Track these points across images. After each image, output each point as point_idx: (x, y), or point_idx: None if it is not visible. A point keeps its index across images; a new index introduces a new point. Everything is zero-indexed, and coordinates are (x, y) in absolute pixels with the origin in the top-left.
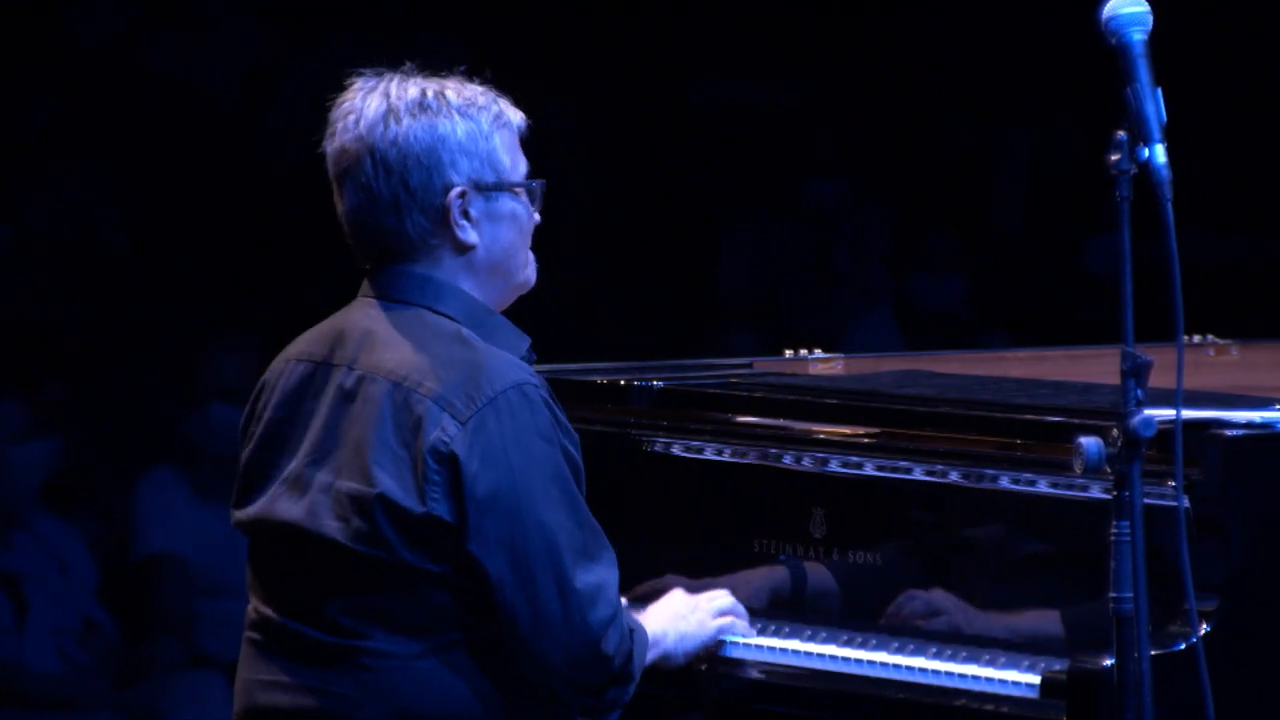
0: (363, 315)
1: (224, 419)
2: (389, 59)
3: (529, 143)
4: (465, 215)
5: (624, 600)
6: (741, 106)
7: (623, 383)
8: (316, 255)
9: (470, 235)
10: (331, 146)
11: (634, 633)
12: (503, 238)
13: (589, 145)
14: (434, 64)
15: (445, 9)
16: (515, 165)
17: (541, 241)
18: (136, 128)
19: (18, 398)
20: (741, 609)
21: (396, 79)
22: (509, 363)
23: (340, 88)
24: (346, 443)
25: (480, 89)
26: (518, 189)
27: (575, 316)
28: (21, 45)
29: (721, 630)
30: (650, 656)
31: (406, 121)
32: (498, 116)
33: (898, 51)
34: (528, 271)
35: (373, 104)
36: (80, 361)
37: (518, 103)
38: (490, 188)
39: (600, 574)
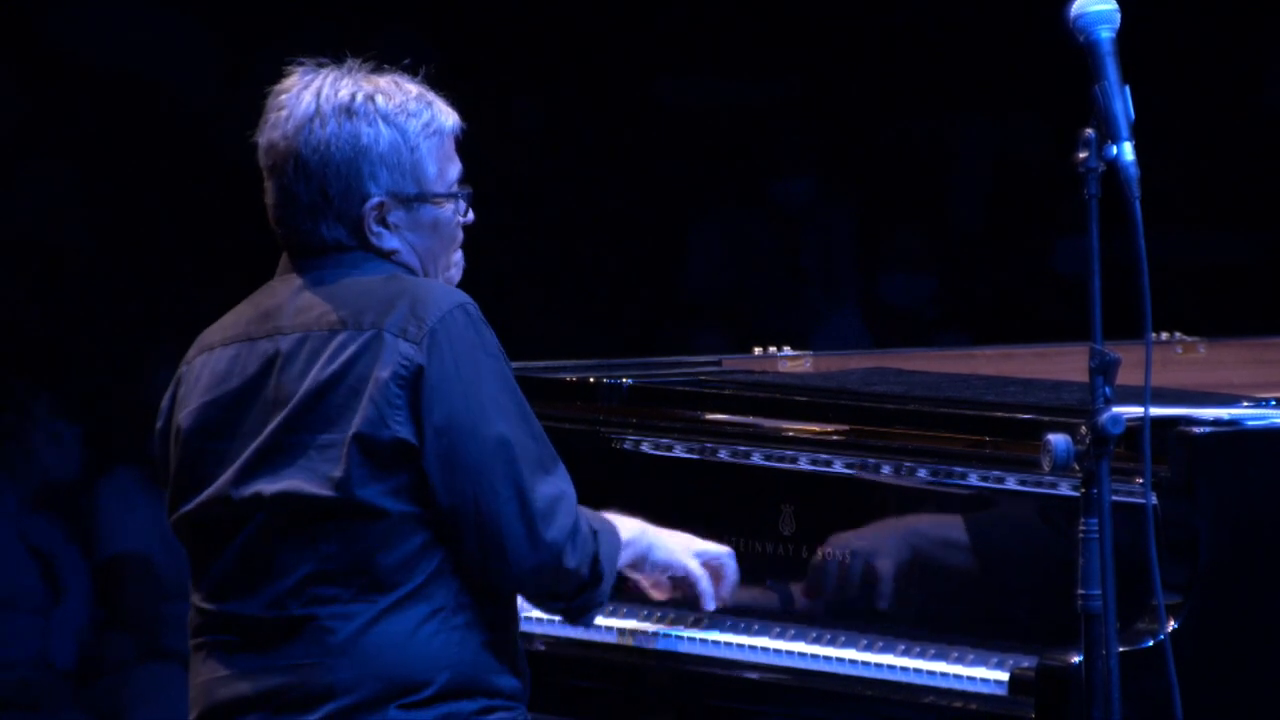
0: (287, 288)
1: None
2: (356, 56)
3: (492, 138)
4: (383, 223)
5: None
6: (709, 104)
7: (592, 380)
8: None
9: (388, 243)
10: (262, 139)
11: (598, 534)
12: (422, 245)
13: (555, 142)
14: (397, 60)
15: (410, 5)
16: (443, 173)
17: (510, 238)
18: (102, 125)
19: None
20: (729, 558)
21: (331, 76)
22: (445, 288)
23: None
24: (301, 400)
25: (415, 91)
26: (440, 199)
27: (543, 314)
28: None
29: (690, 571)
30: (625, 557)
31: (330, 127)
32: (427, 124)
33: (866, 49)
34: (450, 274)
35: (303, 102)
36: (43, 361)
37: (485, 101)
38: (411, 199)
39: (558, 485)
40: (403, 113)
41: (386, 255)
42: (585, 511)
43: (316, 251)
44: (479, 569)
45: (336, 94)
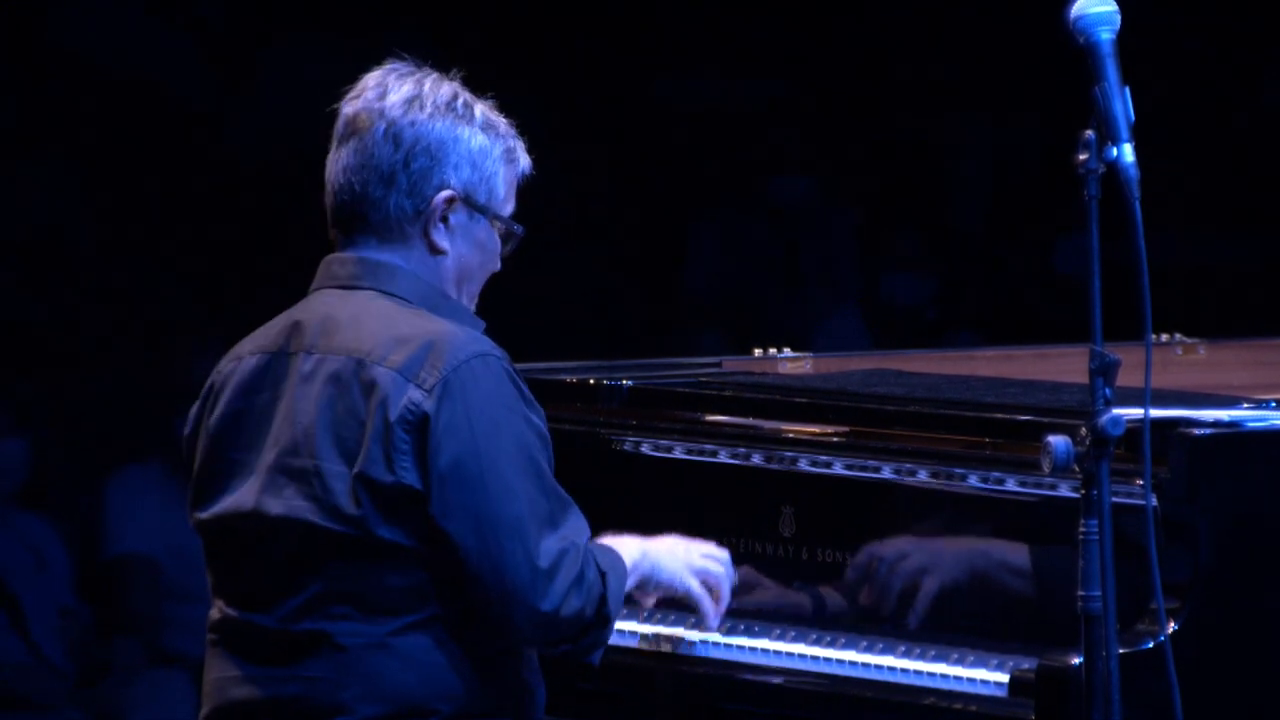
0: (320, 304)
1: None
2: (357, 56)
3: None
4: (444, 220)
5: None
6: (708, 105)
7: (592, 382)
8: (287, 253)
9: (443, 241)
10: (348, 107)
11: (606, 576)
12: (469, 259)
13: (556, 143)
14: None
15: (410, 5)
16: (507, 201)
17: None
18: (104, 126)
19: None
20: (726, 578)
21: (434, 76)
22: (470, 334)
23: (309, 84)
24: (313, 425)
25: (507, 122)
26: (499, 222)
27: (544, 315)
28: None
29: (692, 591)
30: (629, 583)
31: (430, 112)
32: (510, 150)
33: (865, 50)
34: (471, 305)
35: (405, 87)
36: (48, 360)
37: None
38: (478, 207)
39: (565, 539)
40: (494, 129)
41: (438, 253)
42: (593, 547)
43: (370, 229)
44: (484, 616)
45: (439, 90)
